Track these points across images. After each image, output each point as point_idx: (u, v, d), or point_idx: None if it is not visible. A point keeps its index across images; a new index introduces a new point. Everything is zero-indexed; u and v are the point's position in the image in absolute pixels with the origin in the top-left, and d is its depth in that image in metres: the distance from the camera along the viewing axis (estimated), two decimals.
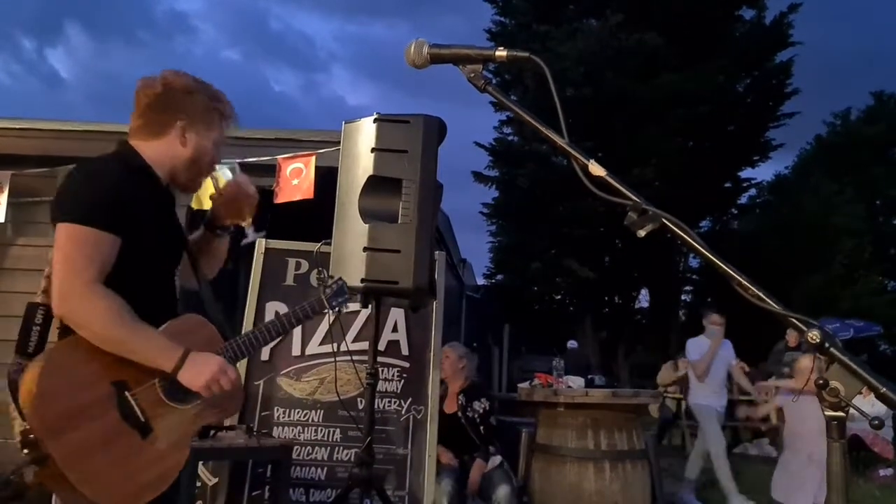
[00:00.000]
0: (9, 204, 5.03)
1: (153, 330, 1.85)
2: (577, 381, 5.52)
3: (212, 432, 3.44)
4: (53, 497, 3.80)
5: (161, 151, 2.04)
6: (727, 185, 22.34)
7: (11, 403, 1.78)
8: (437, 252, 3.48)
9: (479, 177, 21.09)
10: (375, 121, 2.94)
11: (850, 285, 22.36)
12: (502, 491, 4.19)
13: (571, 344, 13.46)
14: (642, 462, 4.53)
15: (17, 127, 5.21)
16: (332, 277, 2.51)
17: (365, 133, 2.96)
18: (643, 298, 24.57)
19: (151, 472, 1.82)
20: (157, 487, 1.83)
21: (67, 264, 1.78)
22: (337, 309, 2.49)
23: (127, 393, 1.82)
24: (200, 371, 1.88)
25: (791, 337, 9.94)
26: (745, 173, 22.53)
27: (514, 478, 4.62)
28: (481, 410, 4.56)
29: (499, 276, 24.57)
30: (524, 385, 5.58)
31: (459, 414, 4.53)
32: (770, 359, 10.50)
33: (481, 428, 4.53)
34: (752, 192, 24.36)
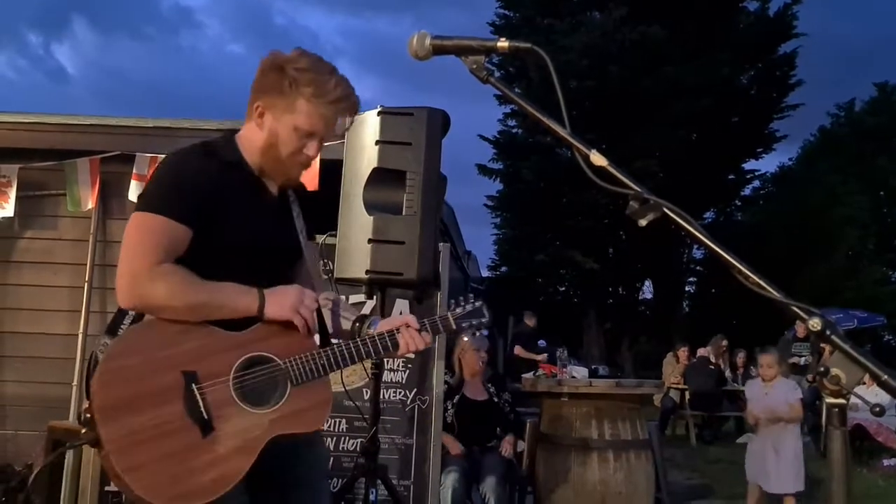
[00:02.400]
0: (17, 198, 5.05)
1: (224, 283, 1.78)
2: (581, 372, 5.55)
3: None
4: (64, 486, 3.83)
5: (246, 137, 1.94)
6: (731, 176, 22.34)
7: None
8: (441, 244, 3.50)
9: (483, 169, 21.11)
10: (379, 113, 2.96)
11: (854, 276, 22.34)
12: (490, 482, 4.27)
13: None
14: (646, 452, 4.54)
15: (25, 121, 5.23)
16: (471, 297, 2.16)
17: (369, 126, 2.98)
18: (647, 290, 24.58)
19: (205, 474, 1.68)
20: (210, 492, 1.68)
21: (132, 251, 1.73)
22: (470, 332, 2.23)
23: (194, 386, 1.70)
24: (282, 299, 1.81)
25: (800, 327, 9.86)
26: (749, 165, 22.55)
27: (519, 468, 4.66)
28: (511, 400, 4.85)
29: (503, 268, 24.60)
30: (528, 375, 5.62)
31: (496, 400, 4.75)
32: (777, 349, 10.46)
33: (511, 416, 4.80)
34: (756, 183, 24.37)
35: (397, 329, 1.98)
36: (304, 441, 1.90)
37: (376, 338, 1.96)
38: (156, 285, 1.70)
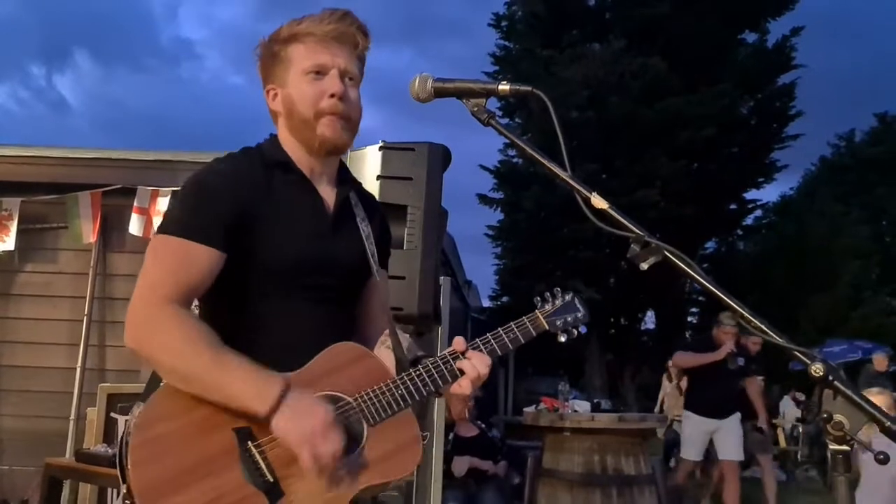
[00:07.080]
0: (17, 231, 5.06)
1: (243, 360, 1.40)
2: (583, 406, 5.50)
3: None
4: None
5: (280, 137, 1.66)
6: (732, 206, 22.36)
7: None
8: (441, 277, 3.50)
9: (484, 199, 21.16)
10: (381, 149, 2.97)
11: (858, 306, 22.28)
12: None
13: None
14: (650, 487, 4.50)
15: (27, 154, 5.27)
16: (558, 290, 1.74)
17: (370, 161, 2.99)
18: (649, 320, 24.50)
19: None
20: None
21: (139, 283, 1.44)
22: (565, 335, 1.73)
23: (250, 443, 1.40)
24: (300, 420, 1.37)
25: (878, 360, 9.29)
26: (751, 195, 22.56)
27: (520, 502, 4.64)
28: (500, 434, 5.38)
29: (504, 298, 24.54)
30: (530, 409, 5.58)
31: (488, 435, 5.18)
32: (859, 382, 10.28)
33: (503, 448, 5.26)
34: (758, 213, 24.36)
35: (453, 354, 1.57)
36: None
37: (446, 358, 1.57)
38: (154, 333, 1.40)
